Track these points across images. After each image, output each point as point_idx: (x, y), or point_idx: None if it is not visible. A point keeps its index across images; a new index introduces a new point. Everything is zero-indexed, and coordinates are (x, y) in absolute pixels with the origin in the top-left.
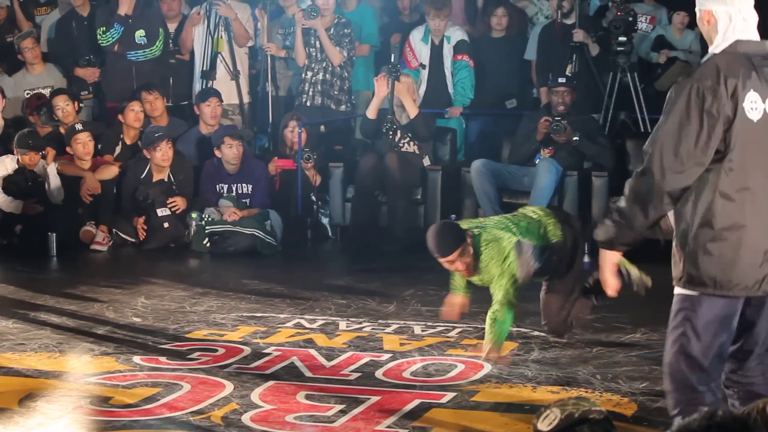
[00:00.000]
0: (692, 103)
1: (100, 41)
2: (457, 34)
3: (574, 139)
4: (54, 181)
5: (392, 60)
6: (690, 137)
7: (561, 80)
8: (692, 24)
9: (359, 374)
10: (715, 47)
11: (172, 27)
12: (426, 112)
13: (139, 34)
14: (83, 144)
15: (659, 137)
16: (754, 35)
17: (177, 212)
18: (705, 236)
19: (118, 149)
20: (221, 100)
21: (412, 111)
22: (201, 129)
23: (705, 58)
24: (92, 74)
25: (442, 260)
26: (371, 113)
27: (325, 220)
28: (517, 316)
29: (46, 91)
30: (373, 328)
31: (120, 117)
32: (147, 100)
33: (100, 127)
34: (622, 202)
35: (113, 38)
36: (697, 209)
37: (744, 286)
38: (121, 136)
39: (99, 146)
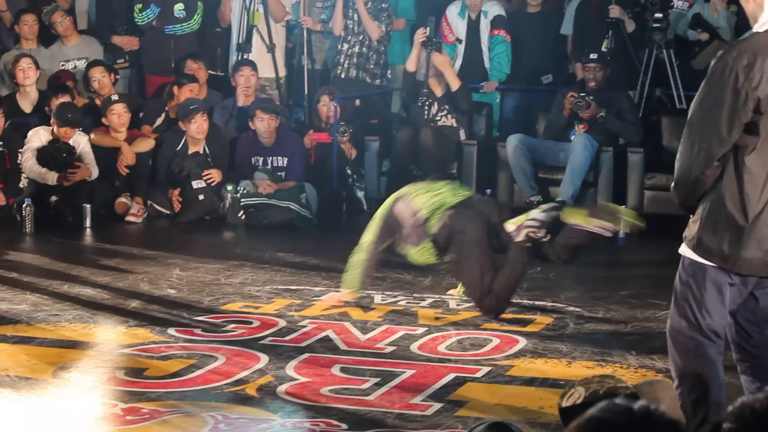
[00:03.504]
0: (725, 80)
1: (136, 19)
2: (494, 9)
3: (600, 115)
4: (88, 158)
5: (428, 32)
6: (720, 114)
7: (592, 56)
8: (729, 3)
9: (394, 348)
10: (760, 26)
11: None
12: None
13: (178, 8)
14: (118, 115)
15: (694, 112)
16: None
17: (212, 185)
18: (723, 210)
19: (159, 120)
20: (255, 70)
21: (455, 83)
22: (238, 101)
23: (746, 36)
24: (129, 42)
25: None
26: (411, 65)
27: (360, 194)
28: (553, 292)
29: (81, 63)
30: (408, 302)
31: (175, 89)
32: (191, 69)
33: (136, 99)
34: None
35: (148, 18)
36: (721, 183)
37: (751, 266)
38: (167, 108)
39: (141, 115)
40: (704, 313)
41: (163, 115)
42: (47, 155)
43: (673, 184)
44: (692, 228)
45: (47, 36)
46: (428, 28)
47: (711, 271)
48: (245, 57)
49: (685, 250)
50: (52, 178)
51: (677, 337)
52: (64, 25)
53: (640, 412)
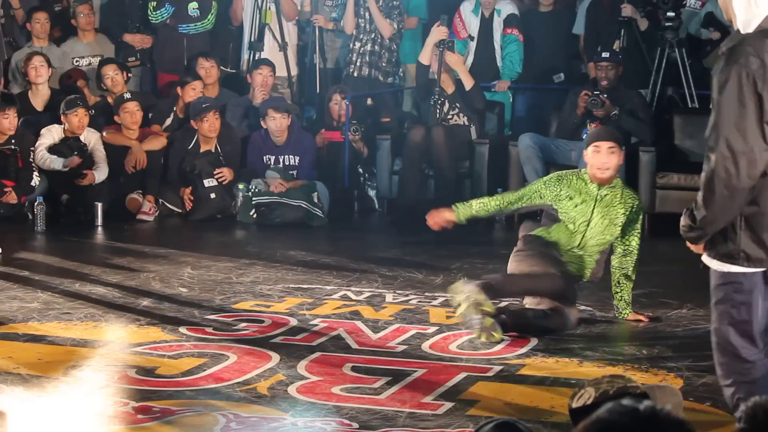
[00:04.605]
0: (744, 87)
1: (150, 17)
2: (507, 8)
3: (613, 113)
4: (99, 155)
5: (447, 31)
6: (751, 121)
7: (605, 55)
8: None
9: (405, 347)
10: (746, 26)
11: None
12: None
13: (192, 7)
14: (131, 113)
15: (721, 128)
16: None
17: (224, 183)
18: (764, 216)
19: (168, 121)
20: (274, 71)
21: (468, 82)
22: (254, 99)
23: (738, 38)
24: (140, 41)
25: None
26: (424, 58)
27: (371, 193)
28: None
29: (95, 60)
30: (419, 301)
31: (178, 90)
32: (203, 67)
33: (149, 97)
34: (699, 208)
35: (162, 16)
36: (755, 191)
37: None
38: (175, 108)
39: (150, 115)
40: (755, 321)
41: (171, 115)
42: (58, 153)
43: (703, 211)
44: (730, 244)
45: (64, 29)
46: (448, 28)
47: (760, 277)
48: (257, 55)
49: (728, 267)
50: (59, 164)
51: (726, 346)
52: (88, 19)
53: (646, 412)
